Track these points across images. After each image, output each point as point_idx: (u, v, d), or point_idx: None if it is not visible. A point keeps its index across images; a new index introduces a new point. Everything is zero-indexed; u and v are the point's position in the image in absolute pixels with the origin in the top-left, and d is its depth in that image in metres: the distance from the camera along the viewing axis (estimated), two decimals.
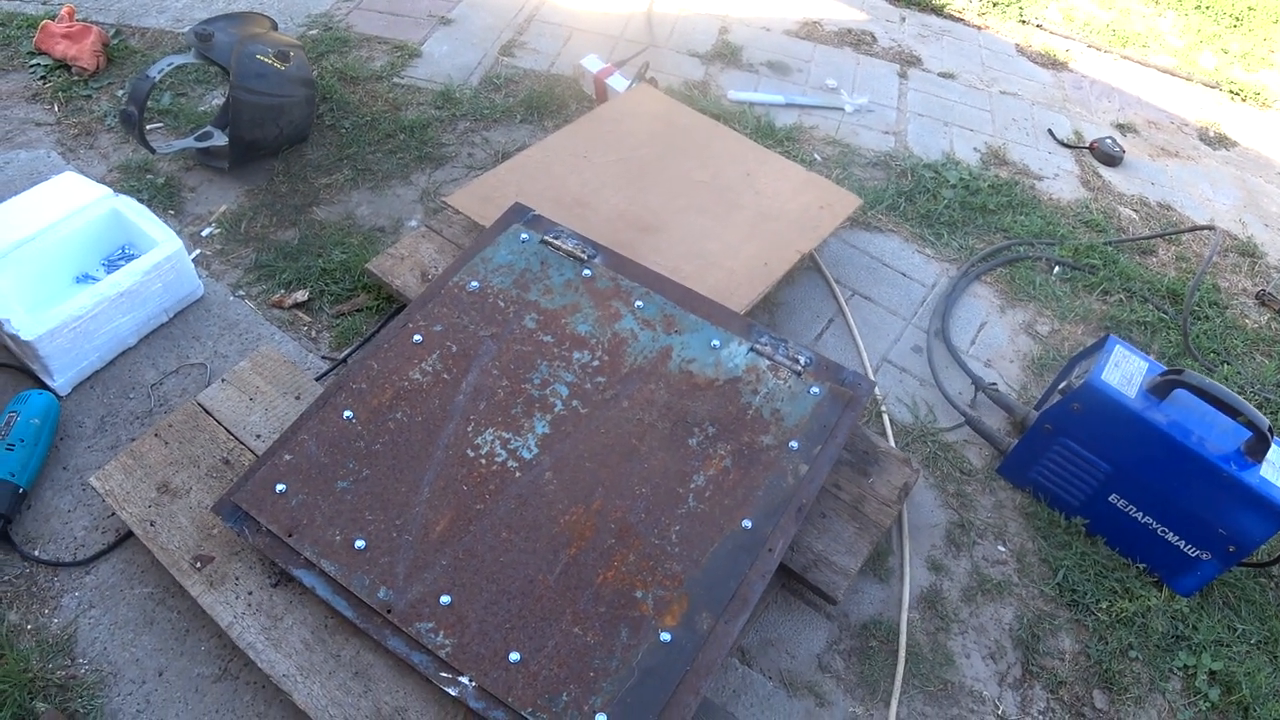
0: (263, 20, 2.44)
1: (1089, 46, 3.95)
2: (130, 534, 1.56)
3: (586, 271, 1.77)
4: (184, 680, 1.42)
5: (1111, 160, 3.17)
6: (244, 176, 2.38)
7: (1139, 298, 2.52)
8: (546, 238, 1.82)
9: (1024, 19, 4.01)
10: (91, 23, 2.77)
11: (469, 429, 1.50)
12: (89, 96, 2.59)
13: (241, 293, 2.06)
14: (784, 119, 2.96)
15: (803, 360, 1.68)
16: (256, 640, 1.34)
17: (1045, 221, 2.73)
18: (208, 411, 1.65)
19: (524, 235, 1.83)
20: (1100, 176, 3.11)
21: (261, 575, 1.42)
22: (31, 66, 2.66)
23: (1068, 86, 3.60)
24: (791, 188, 2.31)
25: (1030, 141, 3.19)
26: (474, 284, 1.72)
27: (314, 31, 2.98)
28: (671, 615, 1.32)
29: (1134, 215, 2.95)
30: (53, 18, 2.74)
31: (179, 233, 2.12)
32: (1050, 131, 3.27)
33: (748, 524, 1.42)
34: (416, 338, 1.62)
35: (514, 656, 1.27)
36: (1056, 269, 2.57)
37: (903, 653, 1.61)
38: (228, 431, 1.62)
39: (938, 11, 3.93)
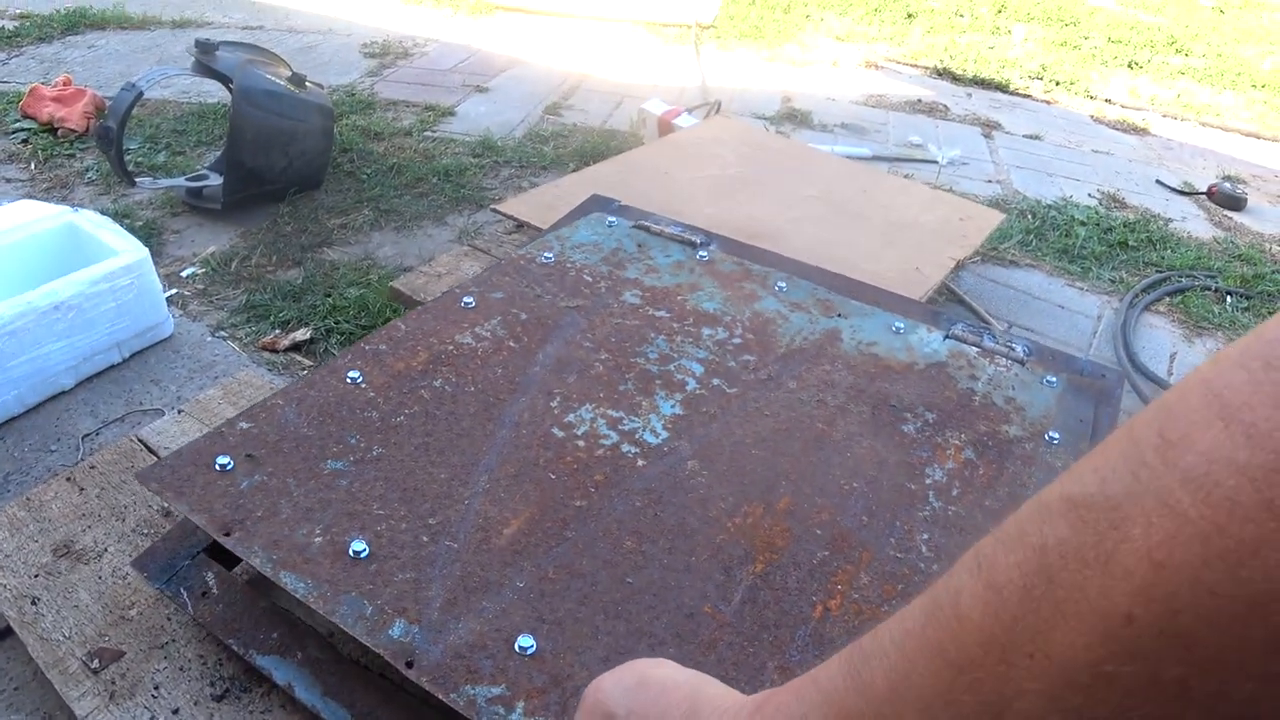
0: (279, 59, 2.10)
1: (1164, 115, 3.67)
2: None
3: (702, 254, 1.27)
4: None
5: (1235, 203, 2.76)
6: (240, 219, 1.94)
7: None
8: (642, 222, 1.34)
9: (1091, 94, 3.76)
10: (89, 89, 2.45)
11: (553, 404, 0.95)
12: (71, 155, 2.21)
13: (224, 334, 1.56)
14: None
15: (1020, 348, 1.15)
16: None
17: (1196, 255, 2.30)
18: (151, 449, 1.11)
19: (610, 219, 1.35)
20: (1230, 218, 2.70)
21: (200, 680, 0.82)
22: (13, 131, 2.31)
23: (1157, 148, 3.28)
24: (920, 202, 1.87)
25: (1142, 190, 2.80)
26: (547, 255, 1.22)
27: (335, 95, 2.67)
28: None
29: None
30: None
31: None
32: (1159, 181, 2.89)
33: None
34: (467, 300, 1.10)
35: None
36: (1229, 298, 2.11)
37: None
38: None
39: (1003, 89, 3.70)
